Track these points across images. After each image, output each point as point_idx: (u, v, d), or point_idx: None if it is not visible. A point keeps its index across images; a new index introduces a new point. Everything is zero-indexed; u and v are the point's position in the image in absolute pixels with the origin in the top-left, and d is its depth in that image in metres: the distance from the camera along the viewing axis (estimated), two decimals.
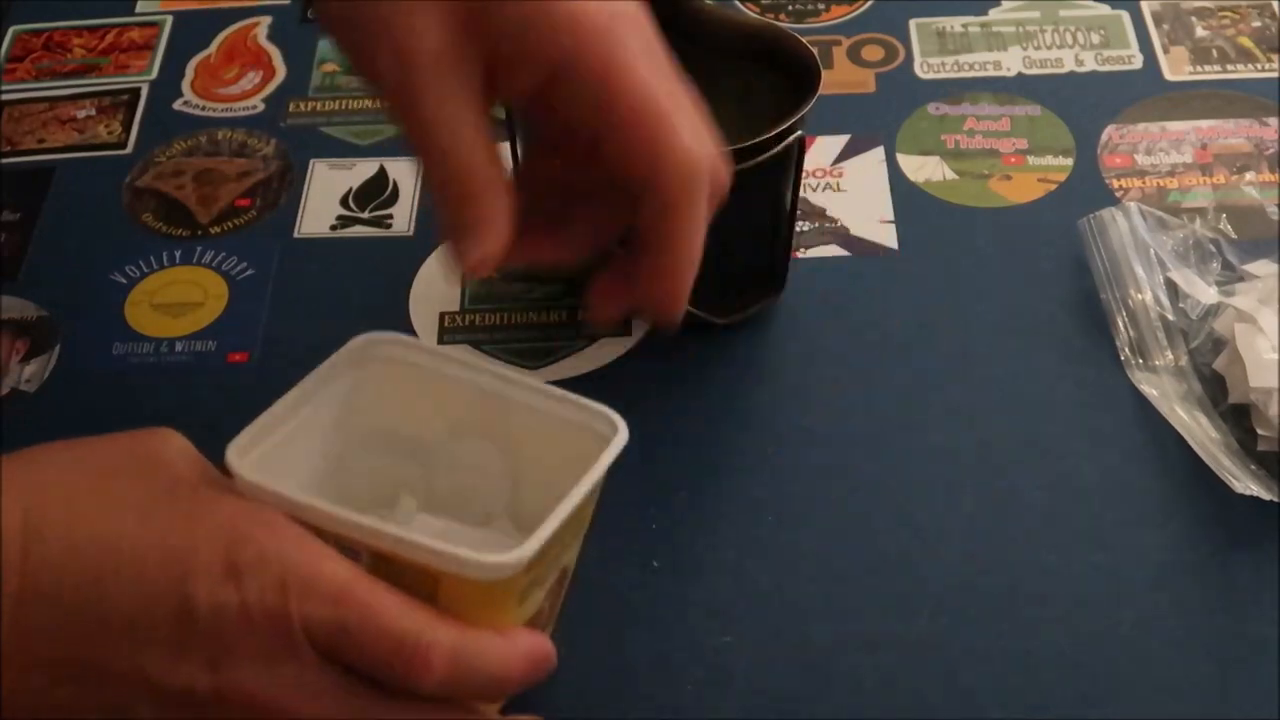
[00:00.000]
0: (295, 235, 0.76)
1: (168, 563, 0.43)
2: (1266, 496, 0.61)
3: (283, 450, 0.52)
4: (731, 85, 0.64)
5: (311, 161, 0.80)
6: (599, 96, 0.46)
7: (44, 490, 0.45)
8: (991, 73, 0.83)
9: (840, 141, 0.79)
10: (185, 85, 0.85)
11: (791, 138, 0.61)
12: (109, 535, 0.44)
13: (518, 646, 0.47)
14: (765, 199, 0.63)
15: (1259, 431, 0.63)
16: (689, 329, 0.62)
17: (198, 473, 0.48)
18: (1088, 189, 0.76)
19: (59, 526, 0.44)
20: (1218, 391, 0.65)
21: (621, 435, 0.51)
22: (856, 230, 0.75)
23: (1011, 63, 0.83)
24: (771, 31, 0.65)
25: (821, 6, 0.87)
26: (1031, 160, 0.78)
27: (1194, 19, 0.85)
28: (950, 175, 0.77)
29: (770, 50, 0.64)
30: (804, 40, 0.64)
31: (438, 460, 0.56)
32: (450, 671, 0.45)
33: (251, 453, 0.51)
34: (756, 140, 0.60)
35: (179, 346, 0.72)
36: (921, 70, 0.83)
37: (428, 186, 0.51)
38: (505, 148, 0.64)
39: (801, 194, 0.76)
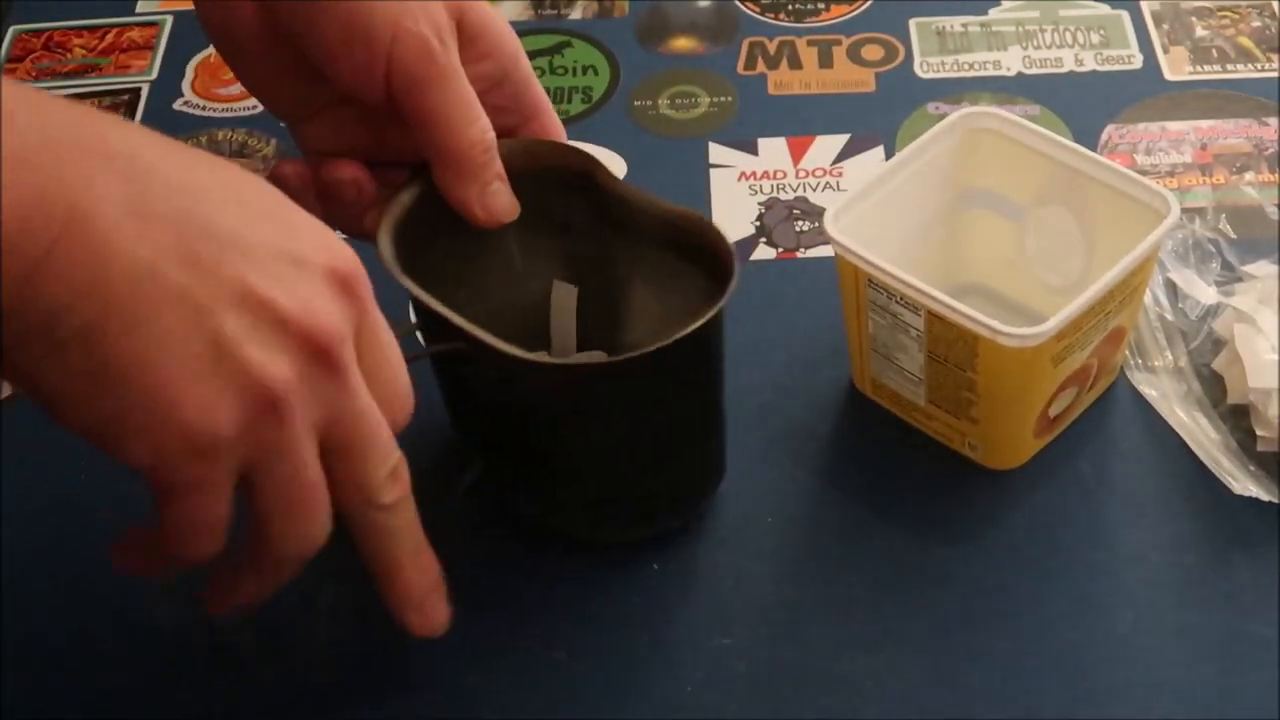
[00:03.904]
0: None
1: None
2: (1266, 497, 0.61)
3: (876, 212, 0.62)
4: (651, 274, 0.62)
5: None
6: (525, 94, 0.62)
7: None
8: (991, 72, 0.83)
9: (840, 141, 0.79)
10: (185, 85, 0.85)
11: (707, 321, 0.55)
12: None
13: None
14: (693, 391, 0.58)
15: (1258, 432, 0.63)
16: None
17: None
18: None
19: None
20: (1217, 392, 0.65)
21: (1173, 216, 0.59)
22: None
23: (1011, 62, 0.83)
24: (689, 223, 0.59)
25: (821, 6, 0.87)
26: None
27: (1194, 19, 0.85)
28: None
29: (689, 240, 0.59)
30: (721, 232, 0.57)
31: (1028, 222, 0.65)
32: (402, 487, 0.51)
33: (845, 217, 0.61)
34: (679, 336, 0.54)
35: None
36: (921, 70, 0.83)
37: (444, 155, 0.59)
38: None
39: (801, 194, 0.77)
